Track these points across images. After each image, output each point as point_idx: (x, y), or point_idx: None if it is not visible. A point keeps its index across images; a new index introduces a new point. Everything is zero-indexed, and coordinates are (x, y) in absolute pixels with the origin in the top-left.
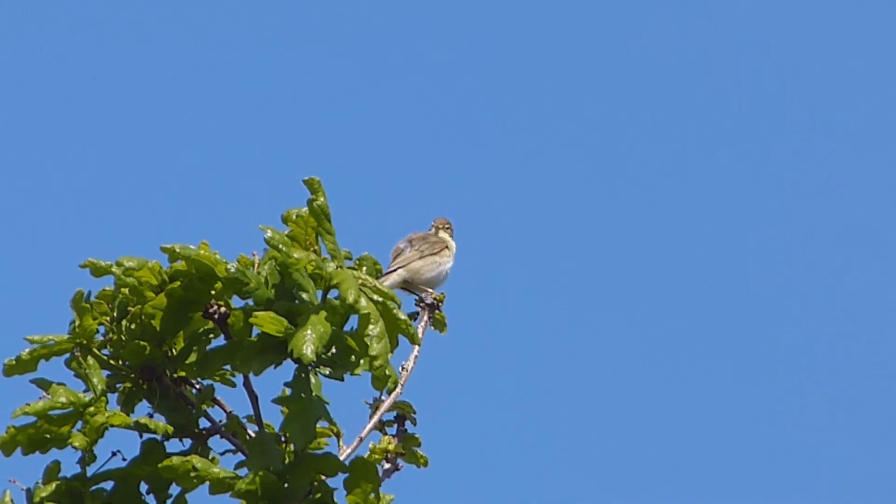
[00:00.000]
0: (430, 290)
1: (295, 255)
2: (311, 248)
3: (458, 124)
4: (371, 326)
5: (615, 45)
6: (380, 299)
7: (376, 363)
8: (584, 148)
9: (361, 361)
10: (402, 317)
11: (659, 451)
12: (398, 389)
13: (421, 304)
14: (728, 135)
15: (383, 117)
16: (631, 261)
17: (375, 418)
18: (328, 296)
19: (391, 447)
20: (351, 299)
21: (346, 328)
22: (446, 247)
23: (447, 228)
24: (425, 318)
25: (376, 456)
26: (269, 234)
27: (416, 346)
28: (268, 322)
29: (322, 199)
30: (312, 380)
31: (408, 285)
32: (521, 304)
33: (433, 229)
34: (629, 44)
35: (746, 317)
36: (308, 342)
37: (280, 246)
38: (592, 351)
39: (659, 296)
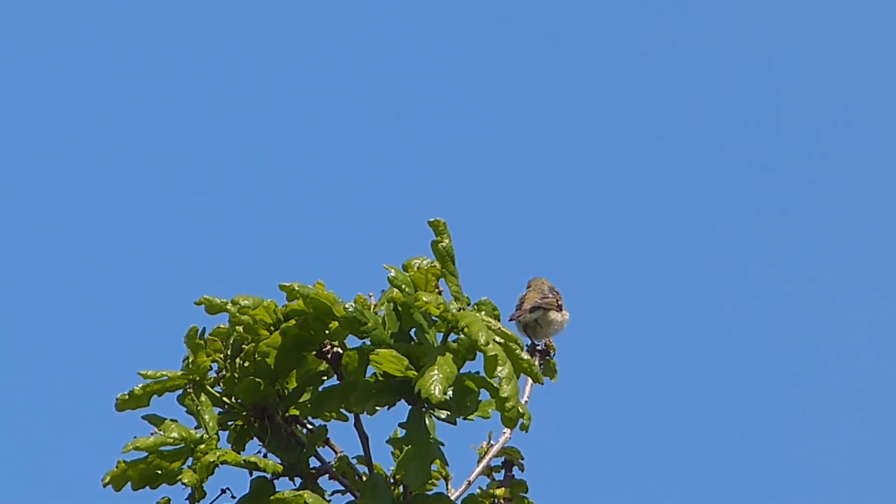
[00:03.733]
0: (548, 338)
1: (423, 298)
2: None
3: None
4: (500, 368)
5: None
6: (502, 341)
7: (508, 404)
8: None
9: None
10: (525, 357)
11: None
12: (507, 434)
13: (532, 350)
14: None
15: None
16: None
17: (484, 462)
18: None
19: (499, 492)
20: (482, 340)
21: (463, 371)
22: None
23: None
24: (536, 363)
25: (484, 500)
26: (393, 273)
27: (528, 390)
28: (388, 360)
29: (447, 241)
30: (427, 421)
31: (530, 329)
32: (631, 354)
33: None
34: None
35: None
36: (436, 382)
37: (403, 286)
38: (703, 391)
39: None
